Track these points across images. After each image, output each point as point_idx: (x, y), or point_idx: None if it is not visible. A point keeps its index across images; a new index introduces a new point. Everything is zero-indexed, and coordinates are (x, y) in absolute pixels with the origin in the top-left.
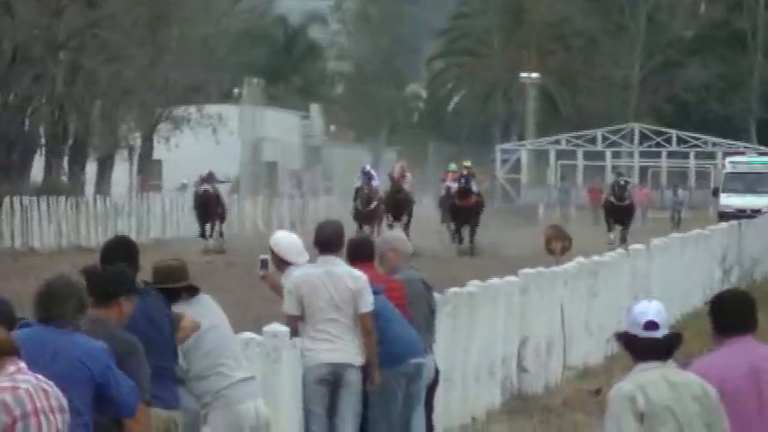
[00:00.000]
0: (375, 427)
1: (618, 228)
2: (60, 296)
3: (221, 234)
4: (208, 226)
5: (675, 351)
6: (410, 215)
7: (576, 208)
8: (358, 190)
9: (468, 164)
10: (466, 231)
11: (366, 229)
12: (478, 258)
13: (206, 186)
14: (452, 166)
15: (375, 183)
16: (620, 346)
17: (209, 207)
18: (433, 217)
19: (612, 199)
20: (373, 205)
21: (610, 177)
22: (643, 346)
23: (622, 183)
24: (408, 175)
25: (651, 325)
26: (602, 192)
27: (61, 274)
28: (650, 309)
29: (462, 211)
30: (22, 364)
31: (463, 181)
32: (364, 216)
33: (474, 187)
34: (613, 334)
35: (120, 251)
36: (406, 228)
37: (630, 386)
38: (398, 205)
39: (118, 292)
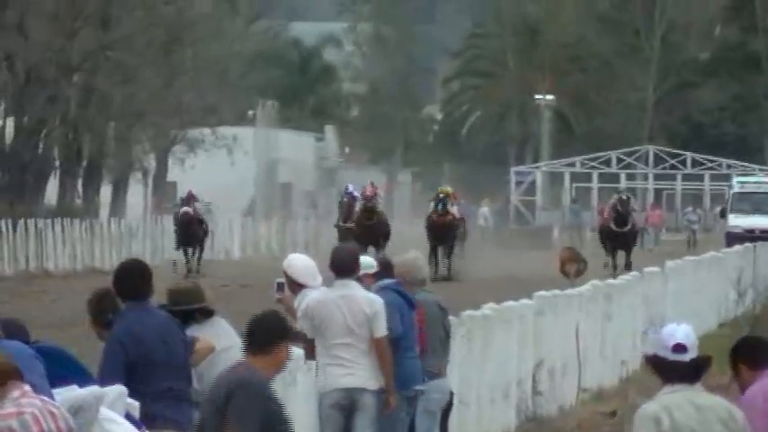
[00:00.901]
0: None
1: (619, 252)
2: None
3: (199, 260)
4: (190, 250)
5: (703, 374)
6: (386, 238)
7: (590, 230)
8: (340, 206)
9: (447, 189)
10: (442, 255)
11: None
12: (493, 281)
13: (186, 208)
14: (448, 189)
15: (359, 203)
16: (649, 368)
17: (189, 230)
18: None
19: (612, 225)
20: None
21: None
22: (671, 369)
23: (624, 202)
24: (380, 194)
25: (679, 348)
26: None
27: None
28: (679, 332)
29: (439, 227)
30: (27, 388)
31: (441, 205)
32: (345, 232)
33: (450, 207)
34: (642, 356)
35: (134, 274)
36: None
37: (656, 407)
38: (372, 232)
39: (277, 340)
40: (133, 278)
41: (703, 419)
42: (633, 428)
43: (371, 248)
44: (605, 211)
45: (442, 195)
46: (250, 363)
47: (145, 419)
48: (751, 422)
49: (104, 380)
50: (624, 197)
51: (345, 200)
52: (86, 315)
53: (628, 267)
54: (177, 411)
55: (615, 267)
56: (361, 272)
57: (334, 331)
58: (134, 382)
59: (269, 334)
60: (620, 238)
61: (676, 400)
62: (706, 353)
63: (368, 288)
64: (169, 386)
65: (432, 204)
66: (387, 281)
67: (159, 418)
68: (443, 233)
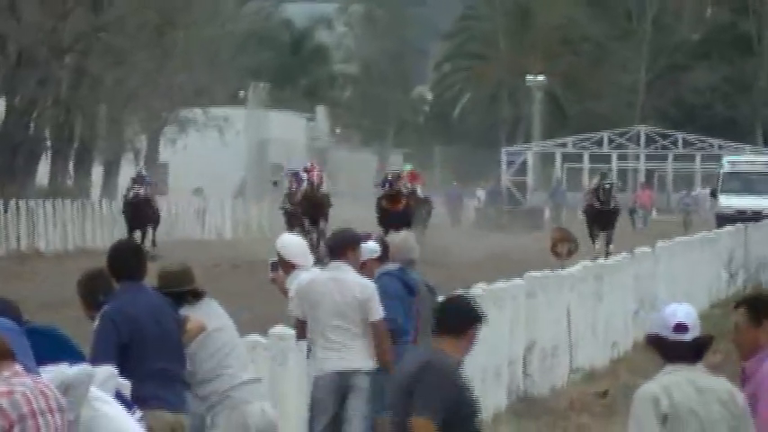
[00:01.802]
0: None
1: (602, 234)
2: None
3: (154, 243)
4: (138, 234)
5: (705, 354)
6: (327, 218)
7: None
8: (289, 191)
9: (396, 170)
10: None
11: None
12: (486, 261)
13: (137, 189)
14: (409, 167)
15: (305, 185)
16: (650, 347)
17: (139, 212)
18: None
19: (596, 203)
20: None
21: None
22: (672, 349)
23: (607, 186)
24: (325, 178)
25: (680, 327)
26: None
27: None
28: (680, 311)
29: (392, 215)
30: (18, 367)
31: (388, 185)
32: (293, 215)
33: (403, 189)
34: (644, 335)
35: (128, 254)
36: (323, 234)
37: (655, 387)
38: (315, 208)
39: (469, 323)
40: (127, 258)
41: (703, 401)
42: (632, 409)
43: (314, 229)
44: (591, 193)
45: (389, 177)
46: (439, 345)
47: (137, 400)
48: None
49: (97, 360)
50: (607, 185)
51: (289, 182)
52: (77, 296)
53: (606, 251)
54: (170, 392)
55: (605, 249)
56: (365, 257)
57: (324, 313)
58: (127, 362)
59: (461, 317)
60: (603, 215)
61: (676, 380)
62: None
63: (372, 273)
64: (162, 367)
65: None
66: (389, 266)
67: (152, 399)
68: (397, 221)
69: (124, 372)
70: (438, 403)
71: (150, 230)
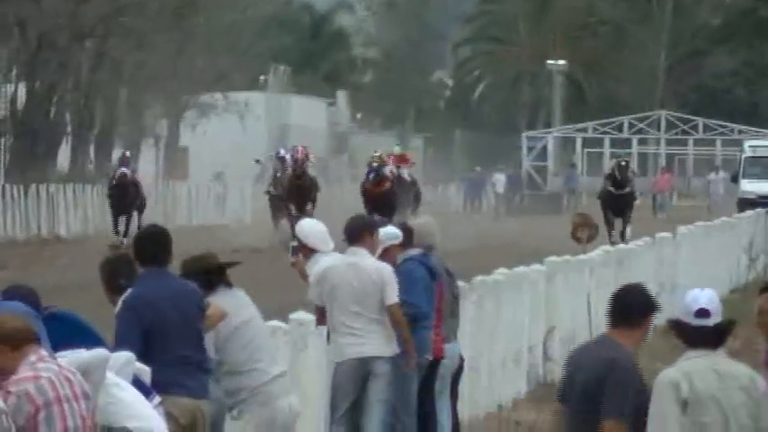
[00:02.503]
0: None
1: (617, 221)
2: None
3: (139, 227)
4: (122, 219)
5: (726, 339)
6: (314, 203)
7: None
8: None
9: (378, 153)
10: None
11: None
12: (506, 245)
13: (124, 170)
14: (397, 149)
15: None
16: (672, 332)
17: (126, 194)
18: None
19: (611, 187)
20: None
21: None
22: (694, 334)
23: (623, 164)
24: (312, 156)
25: (703, 313)
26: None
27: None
28: (702, 296)
29: (374, 197)
30: (44, 352)
31: (373, 175)
32: (278, 200)
33: (388, 172)
34: (666, 320)
35: (153, 240)
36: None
37: (676, 373)
38: (301, 193)
39: (644, 313)
40: (152, 244)
41: (724, 386)
42: (653, 394)
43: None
44: (607, 177)
45: (374, 165)
46: (613, 336)
47: (159, 385)
48: None
49: (120, 346)
50: (623, 163)
51: (275, 165)
52: (98, 280)
53: (622, 236)
54: (191, 378)
55: (621, 235)
56: (388, 243)
57: (343, 299)
58: (149, 348)
59: (637, 307)
60: (619, 200)
61: (698, 366)
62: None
63: (394, 259)
64: (184, 353)
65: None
66: (412, 252)
67: (173, 385)
68: (380, 204)
69: (146, 357)
70: (628, 403)
71: (136, 216)
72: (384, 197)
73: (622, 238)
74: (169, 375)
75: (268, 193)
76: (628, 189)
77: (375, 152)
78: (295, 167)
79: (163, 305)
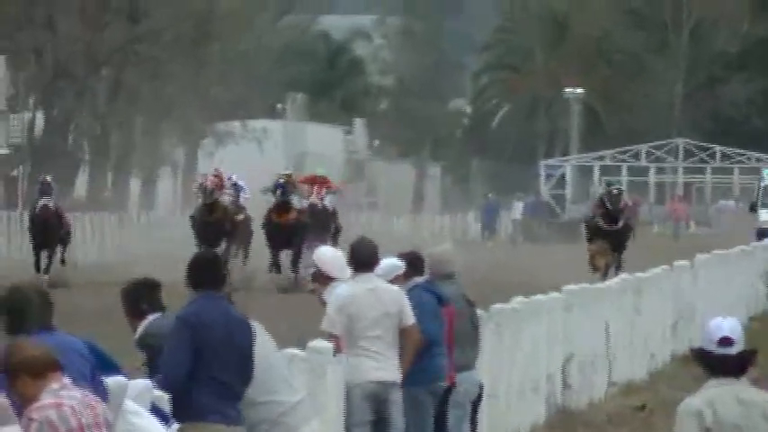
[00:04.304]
0: None
1: (606, 260)
2: None
3: (63, 261)
4: (44, 254)
5: (749, 368)
6: (231, 237)
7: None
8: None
9: (288, 172)
10: (286, 257)
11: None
12: (522, 274)
13: (45, 201)
14: (320, 171)
15: (244, 196)
16: (695, 361)
17: (48, 227)
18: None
19: (599, 221)
20: (240, 217)
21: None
22: (716, 362)
23: (615, 192)
24: (230, 183)
25: (726, 341)
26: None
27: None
28: (725, 325)
29: (280, 229)
30: (67, 380)
31: (280, 192)
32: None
33: (295, 201)
34: (689, 349)
35: (206, 265)
36: (235, 256)
37: (699, 402)
38: (213, 229)
39: None
40: (206, 268)
41: (747, 414)
42: (675, 423)
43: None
44: (596, 205)
45: (281, 181)
46: None
47: (197, 410)
48: None
49: (169, 360)
50: (615, 191)
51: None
52: (116, 308)
53: (618, 268)
54: (229, 406)
55: (616, 269)
56: (391, 274)
57: (365, 324)
58: (194, 368)
59: None
60: (610, 236)
61: (720, 394)
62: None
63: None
64: (226, 380)
65: (270, 194)
66: (417, 279)
67: (211, 413)
68: (285, 237)
69: (190, 377)
70: None
71: (59, 250)
72: (290, 229)
73: (618, 269)
74: (208, 401)
75: (192, 217)
76: (621, 224)
77: (285, 169)
78: (205, 196)
79: (215, 328)
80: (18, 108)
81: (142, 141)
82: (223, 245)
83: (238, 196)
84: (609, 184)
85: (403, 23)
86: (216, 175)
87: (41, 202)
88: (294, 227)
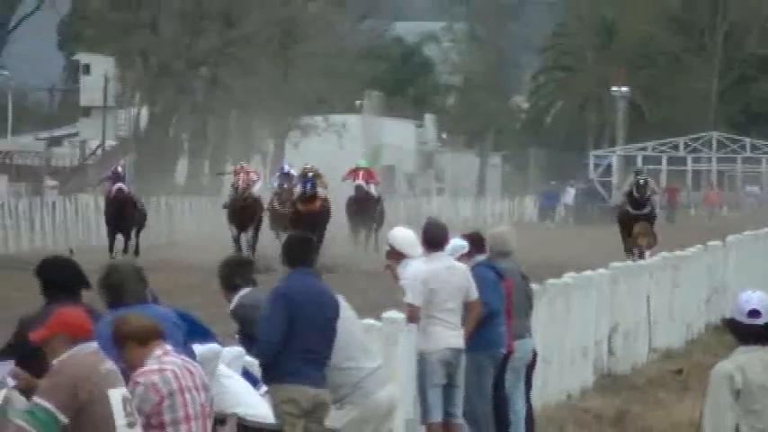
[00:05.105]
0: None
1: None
2: None
3: (137, 252)
4: (119, 237)
5: None
6: (259, 223)
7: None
8: (278, 191)
9: (309, 165)
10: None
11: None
12: (573, 252)
13: (120, 185)
14: (363, 163)
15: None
16: (726, 330)
17: (124, 212)
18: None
19: (628, 207)
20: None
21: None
22: (746, 331)
23: (642, 181)
24: (255, 177)
25: (754, 313)
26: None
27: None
28: (754, 298)
29: (307, 217)
30: (168, 347)
31: (309, 185)
32: (277, 215)
33: (321, 191)
34: (721, 320)
35: (299, 245)
36: (254, 241)
37: (730, 366)
38: (246, 212)
39: None
40: (300, 248)
41: None
42: (709, 384)
43: (243, 235)
44: (625, 193)
45: (310, 175)
46: None
47: (286, 374)
48: None
49: (265, 327)
50: (642, 181)
51: (279, 181)
52: (209, 283)
53: (641, 255)
54: (314, 370)
55: (639, 253)
56: (456, 254)
57: (443, 298)
58: (287, 336)
59: None
60: (638, 220)
61: (749, 359)
62: None
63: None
64: (312, 347)
65: (297, 188)
66: (479, 257)
67: (299, 375)
68: (311, 224)
69: (283, 343)
70: None
71: (134, 234)
72: (317, 217)
73: (641, 256)
74: (298, 365)
75: (270, 209)
76: (647, 209)
77: (306, 165)
78: (239, 187)
79: (306, 301)
80: (125, 104)
81: (235, 133)
82: (250, 232)
83: (292, 185)
84: (637, 173)
85: (468, 28)
86: (246, 172)
87: (117, 185)
88: (320, 214)
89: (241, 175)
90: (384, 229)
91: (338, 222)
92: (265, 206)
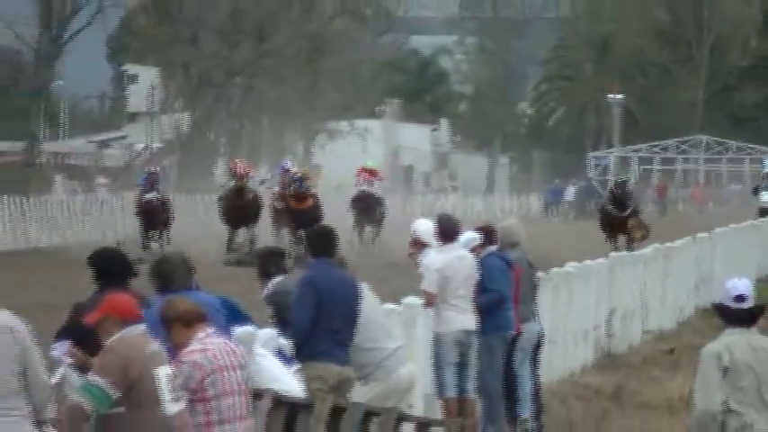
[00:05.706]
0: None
1: (622, 238)
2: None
3: (168, 241)
4: (151, 233)
5: (759, 319)
6: (256, 220)
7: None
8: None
9: (301, 168)
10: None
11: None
12: (575, 244)
13: (149, 197)
14: (369, 163)
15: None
16: (714, 313)
17: (153, 218)
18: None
19: (610, 208)
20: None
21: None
22: (732, 315)
23: (620, 184)
24: (253, 172)
25: (740, 298)
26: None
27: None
28: (740, 285)
29: (299, 214)
30: (210, 330)
31: (299, 183)
32: (278, 212)
33: (311, 190)
34: (710, 304)
35: (323, 237)
36: (252, 242)
37: (718, 346)
38: (243, 210)
39: None
40: (323, 240)
41: (757, 357)
42: (699, 363)
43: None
44: (608, 194)
45: (298, 175)
46: None
47: (314, 353)
48: None
49: (297, 310)
50: (620, 179)
51: (279, 178)
52: (244, 273)
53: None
54: (340, 350)
55: (628, 242)
56: (471, 245)
57: (456, 285)
58: (315, 320)
59: None
60: (619, 223)
61: (736, 340)
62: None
63: (477, 256)
64: (337, 329)
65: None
66: (490, 248)
67: (326, 354)
68: (304, 221)
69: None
70: None
71: (164, 233)
72: (308, 213)
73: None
74: (324, 346)
75: (273, 207)
76: (629, 211)
77: (294, 166)
78: (236, 181)
79: (330, 287)
80: (168, 110)
81: (268, 136)
82: (252, 227)
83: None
84: (617, 177)
85: (478, 42)
86: (242, 162)
87: (147, 196)
88: (311, 211)
89: (238, 162)
90: (384, 228)
91: (339, 222)
92: (267, 203)
